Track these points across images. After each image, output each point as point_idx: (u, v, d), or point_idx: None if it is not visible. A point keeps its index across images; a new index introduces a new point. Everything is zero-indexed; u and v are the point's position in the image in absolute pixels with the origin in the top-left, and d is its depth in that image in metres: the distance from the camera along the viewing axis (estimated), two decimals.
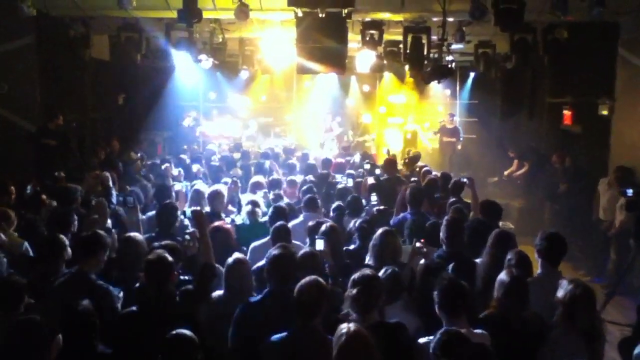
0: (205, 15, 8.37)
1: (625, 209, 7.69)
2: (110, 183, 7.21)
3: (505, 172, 12.75)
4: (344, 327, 3.05)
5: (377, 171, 9.66)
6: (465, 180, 7.23)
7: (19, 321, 3.12)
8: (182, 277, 4.27)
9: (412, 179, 9.04)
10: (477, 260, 4.86)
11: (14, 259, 4.82)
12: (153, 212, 6.27)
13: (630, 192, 7.29)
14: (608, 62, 9.36)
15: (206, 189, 6.99)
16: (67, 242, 4.58)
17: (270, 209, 5.86)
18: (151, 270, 3.94)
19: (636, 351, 3.30)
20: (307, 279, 3.59)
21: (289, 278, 3.90)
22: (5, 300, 3.63)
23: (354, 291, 3.59)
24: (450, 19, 8.77)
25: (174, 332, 3.07)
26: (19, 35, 8.93)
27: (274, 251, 4.08)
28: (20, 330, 3.05)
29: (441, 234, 4.98)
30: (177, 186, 7.42)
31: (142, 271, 3.97)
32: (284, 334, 3.50)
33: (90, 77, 10.99)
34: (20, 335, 3.03)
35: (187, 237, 4.84)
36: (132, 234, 4.93)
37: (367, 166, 9.94)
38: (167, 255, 4.00)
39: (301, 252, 4.47)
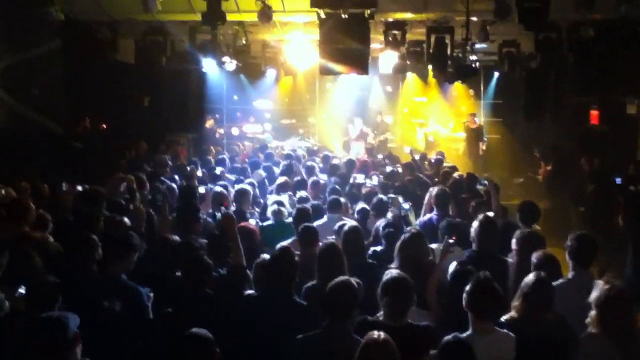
0: (229, 18, 8.48)
1: None
2: (135, 185, 7.27)
3: (540, 177, 12.54)
4: (375, 333, 3.05)
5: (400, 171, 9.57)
6: (485, 183, 7.16)
7: (44, 318, 3.15)
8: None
9: (436, 179, 8.98)
10: (510, 260, 4.81)
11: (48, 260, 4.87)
12: None
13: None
14: (636, 60, 9.18)
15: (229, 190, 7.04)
16: (99, 243, 4.59)
17: (294, 211, 5.88)
18: (189, 271, 4.00)
19: None
20: (339, 280, 3.58)
21: (283, 282, 3.91)
22: (41, 300, 3.66)
23: (388, 298, 3.58)
24: (474, 19, 8.72)
25: (190, 331, 3.08)
26: (47, 40, 9.09)
27: (274, 254, 4.11)
28: (46, 327, 3.08)
29: (472, 233, 4.92)
30: (202, 189, 7.44)
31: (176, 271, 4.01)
32: (315, 332, 3.50)
33: (116, 80, 11.14)
34: (45, 332, 3.06)
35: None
36: (170, 235, 5.04)
37: (389, 168, 9.81)
38: (205, 257, 4.06)
39: (321, 245, 4.55)
